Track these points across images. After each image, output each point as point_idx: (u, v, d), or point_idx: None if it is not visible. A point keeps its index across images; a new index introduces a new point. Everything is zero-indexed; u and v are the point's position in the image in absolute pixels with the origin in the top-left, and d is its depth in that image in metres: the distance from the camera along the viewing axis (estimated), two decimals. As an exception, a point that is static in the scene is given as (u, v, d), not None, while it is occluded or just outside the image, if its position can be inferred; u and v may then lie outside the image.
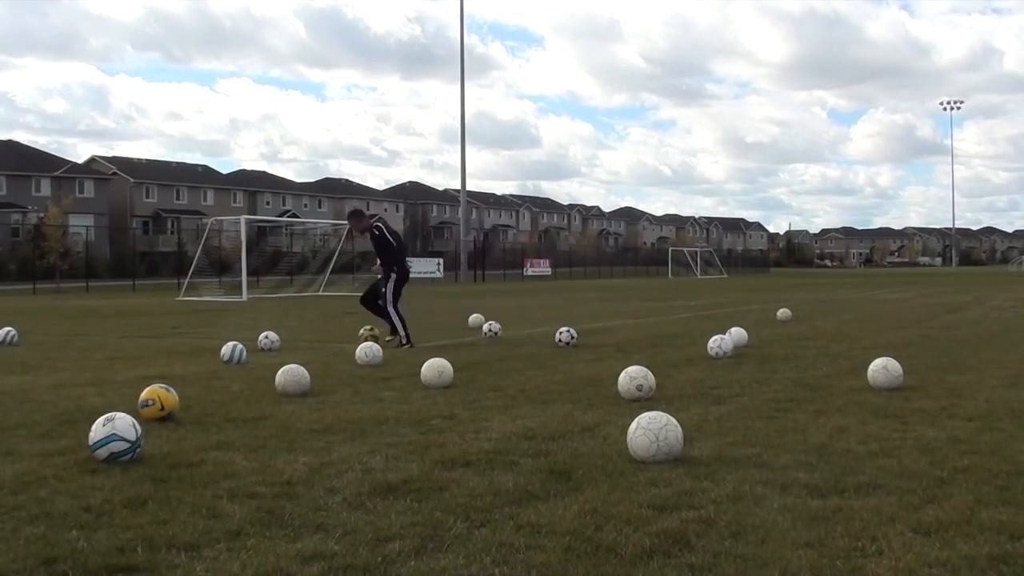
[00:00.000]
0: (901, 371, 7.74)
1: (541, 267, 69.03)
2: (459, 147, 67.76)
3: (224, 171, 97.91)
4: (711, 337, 10.68)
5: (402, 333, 12.06)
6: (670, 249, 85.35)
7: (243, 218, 39.58)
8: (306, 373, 7.81)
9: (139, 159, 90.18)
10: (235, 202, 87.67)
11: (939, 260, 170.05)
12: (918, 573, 3.29)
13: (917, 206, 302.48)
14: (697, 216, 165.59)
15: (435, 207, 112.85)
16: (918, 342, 12.44)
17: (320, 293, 35.17)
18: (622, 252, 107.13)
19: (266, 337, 11.84)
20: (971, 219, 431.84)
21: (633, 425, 5.08)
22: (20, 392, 7.99)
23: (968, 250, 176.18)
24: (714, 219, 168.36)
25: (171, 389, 6.60)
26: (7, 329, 13.21)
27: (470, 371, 9.14)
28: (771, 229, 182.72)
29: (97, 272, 54.09)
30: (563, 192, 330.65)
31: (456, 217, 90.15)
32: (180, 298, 32.07)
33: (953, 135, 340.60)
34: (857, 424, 6.12)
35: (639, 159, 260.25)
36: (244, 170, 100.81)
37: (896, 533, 3.70)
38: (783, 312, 17.72)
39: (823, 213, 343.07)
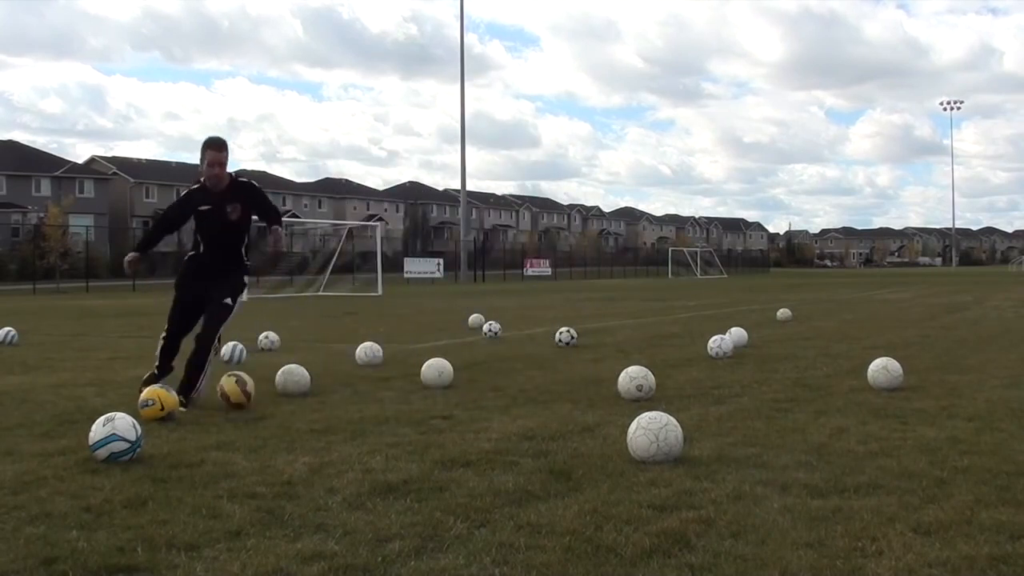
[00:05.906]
0: (901, 371, 7.74)
1: (541, 267, 68.98)
2: (458, 147, 67.74)
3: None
4: (711, 337, 10.68)
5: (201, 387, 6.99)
6: (670, 249, 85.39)
7: (243, 218, 39.44)
8: (306, 373, 7.80)
9: (139, 159, 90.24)
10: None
11: (939, 260, 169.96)
12: (918, 573, 3.29)
13: (917, 206, 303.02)
14: (697, 216, 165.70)
15: (435, 207, 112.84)
16: (918, 342, 12.44)
17: (320, 293, 35.15)
18: (622, 252, 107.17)
19: (266, 337, 11.84)
20: (971, 219, 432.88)
21: (633, 425, 5.08)
22: (20, 392, 7.98)
23: (968, 250, 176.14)
24: (714, 219, 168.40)
25: (171, 389, 6.60)
26: (7, 329, 13.21)
27: (470, 371, 9.13)
28: (771, 229, 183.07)
29: (97, 272, 53.97)
30: (563, 192, 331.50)
31: (456, 217, 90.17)
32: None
33: (952, 135, 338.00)
34: (857, 424, 6.12)
35: (638, 159, 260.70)
36: (244, 170, 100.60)
37: (896, 533, 3.70)
38: (783, 312, 17.72)
39: (823, 213, 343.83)
